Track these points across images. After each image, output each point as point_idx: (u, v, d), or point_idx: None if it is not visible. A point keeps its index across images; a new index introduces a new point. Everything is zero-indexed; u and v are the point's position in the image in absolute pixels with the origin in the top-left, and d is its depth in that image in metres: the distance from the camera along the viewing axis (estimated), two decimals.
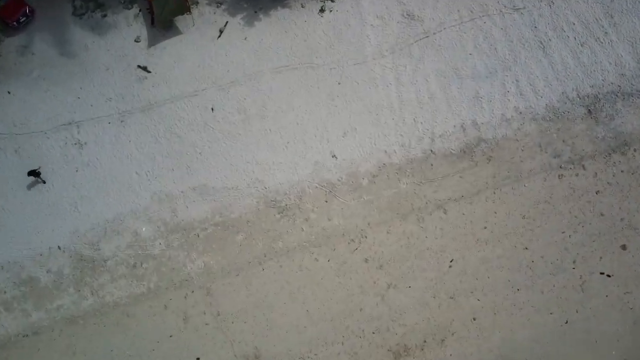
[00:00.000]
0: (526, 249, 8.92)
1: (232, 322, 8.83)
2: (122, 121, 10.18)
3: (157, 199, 9.61)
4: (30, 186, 9.36)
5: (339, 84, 9.98)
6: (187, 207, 9.39)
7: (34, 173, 9.25)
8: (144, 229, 9.46)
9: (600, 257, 8.98)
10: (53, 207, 9.59)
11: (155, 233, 9.32)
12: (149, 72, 10.98)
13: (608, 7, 11.06)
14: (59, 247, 9.35)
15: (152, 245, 9.26)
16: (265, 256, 9.02)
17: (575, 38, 10.53)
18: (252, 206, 9.32)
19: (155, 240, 9.28)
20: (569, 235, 9.00)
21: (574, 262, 8.92)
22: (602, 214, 9.08)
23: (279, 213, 9.31)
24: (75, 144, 9.92)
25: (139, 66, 11.12)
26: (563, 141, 9.55)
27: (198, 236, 9.14)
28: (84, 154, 9.87)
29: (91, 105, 10.24)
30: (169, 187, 9.68)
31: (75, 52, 10.92)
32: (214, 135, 9.92)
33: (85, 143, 9.83)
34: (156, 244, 9.23)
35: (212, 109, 10.21)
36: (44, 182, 9.36)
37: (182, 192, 9.58)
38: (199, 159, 9.66)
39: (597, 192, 9.23)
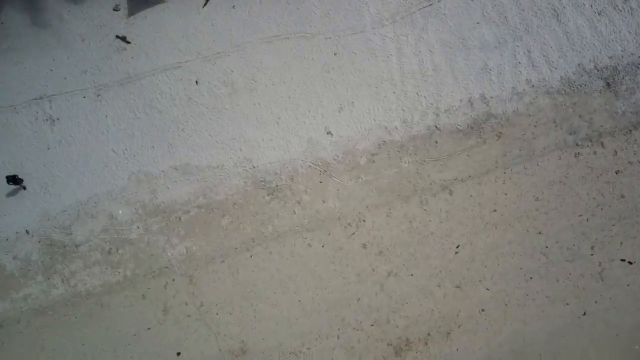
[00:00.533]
0: (540, 233, 8.08)
1: (217, 314, 8.01)
2: (98, 95, 9.37)
3: (135, 179, 8.78)
4: None
5: (334, 55, 9.14)
6: (168, 187, 8.57)
7: (14, 180, 8.42)
8: (120, 211, 8.63)
9: (621, 243, 8.14)
10: (21, 189, 8.81)
11: (133, 216, 8.49)
12: (128, 42, 10.19)
13: None
14: (26, 232, 8.54)
15: (129, 229, 8.44)
16: (253, 241, 8.20)
17: (591, 6, 9.72)
18: (239, 187, 8.50)
19: (133, 224, 8.45)
20: (587, 219, 8.16)
21: (592, 248, 8.08)
22: (622, 196, 8.26)
23: (268, 194, 8.49)
24: (47, 119, 9.09)
25: (117, 36, 10.34)
26: (580, 116, 8.74)
27: (180, 219, 8.32)
28: (55, 130, 9.05)
29: (65, 78, 9.42)
30: (148, 166, 8.86)
31: (49, 21, 10.10)
32: (198, 110, 9.10)
33: (58, 119, 9.01)
34: (133, 228, 8.40)
35: (197, 82, 9.40)
36: (25, 189, 8.55)
37: (162, 171, 8.76)
38: (182, 135, 8.83)
39: (617, 172, 8.41)
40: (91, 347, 7.93)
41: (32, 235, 8.30)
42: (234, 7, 10.70)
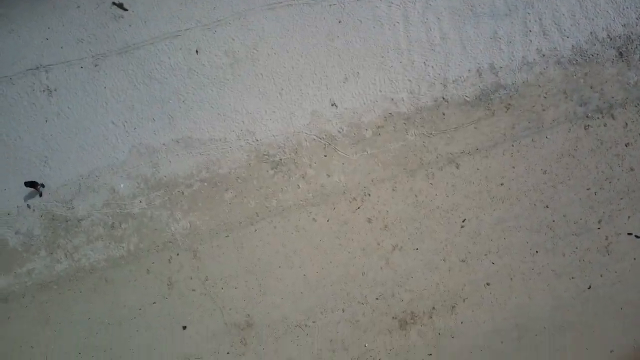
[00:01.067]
0: (547, 207, 7.89)
1: (222, 288, 7.89)
2: (95, 65, 8.99)
3: (136, 152, 8.51)
4: None
5: (339, 22, 8.71)
6: (170, 161, 8.31)
7: (32, 184, 8.16)
8: (122, 185, 8.40)
9: (629, 217, 7.96)
10: (21, 162, 8.51)
11: (135, 190, 8.26)
12: (125, 9, 9.73)
13: None
14: (28, 206, 8.32)
15: (131, 203, 8.23)
16: (257, 216, 8.00)
17: None
18: (243, 161, 8.24)
19: (135, 198, 8.23)
20: (595, 192, 7.96)
21: (599, 221, 7.92)
22: (632, 169, 8.02)
23: (272, 168, 8.24)
24: (44, 90, 8.75)
25: (114, 3, 9.87)
26: (591, 87, 8.42)
27: (182, 194, 8.10)
28: (53, 102, 8.72)
29: (61, 48, 9.01)
30: (149, 139, 8.58)
31: None
32: (199, 81, 8.73)
33: (55, 89, 8.66)
34: (136, 202, 8.18)
35: (197, 52, 9.00)
36: (41, 195, 8.30)
37: (164, 144, 8.48)
38: (183, 107, 8.50)
39: (627, 145, 8.15)
40: (97, 321, 7.84)
41: (34, 210, 8.09)
42: None
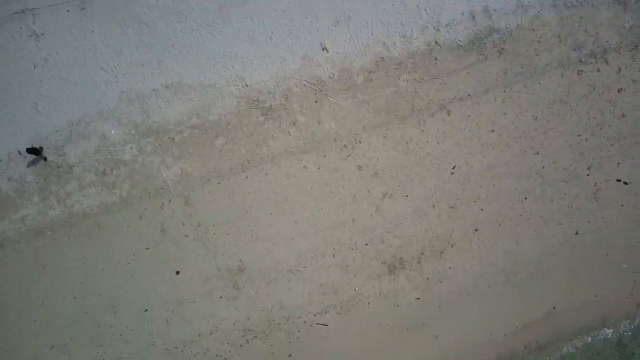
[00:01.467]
0: (537, 154, 7.80)
1: (214, 234, 7.89)
2: (82, 9, 8.69)
3: (126, 98, 8.33)
4: None
5: None
6: (160, 107, 8.14)
7: (34, 151, 7.97)
8: (112, 131, 8.27)
9: (618, 163, 7.89)
10: (11, 108, 8.34)
11: (126, 136, 8.14)
12: None
13: None
14: (19, 152, 8.21)
15: (122, 150, 8.12)
16: (248, 163, 7.91)
17: None
18: (233, 107, 8.08)
19: (126, 144, 8.11)
20: (585, 139, 7.87)
21: (588, 168, 7.85)
22: (623, 115, 7.89)
23: (262, 115, 8.08)
24: (31, 35, 8.48)
25: None
26: (585, 31, 8.17)
27: (173, 140, 7.97)
28: (41, 47, 8.47)
29: None
30: (139, 85, 8.38)
31: None
32: (188, 25, 8.47)
33: (42, 34, 8.40)
34: (127, 149, 8.08)
35: None
36: (45, 159, 8.11)
37: (153, 90, 8.29)
38: (172, 52, 8.27)
39: (619, 90, 7.98)
40: (91, 267, 7.86)
41: (25, 157, 7.99)
42: None
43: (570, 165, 8.19)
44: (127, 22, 8.27)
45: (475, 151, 8.09)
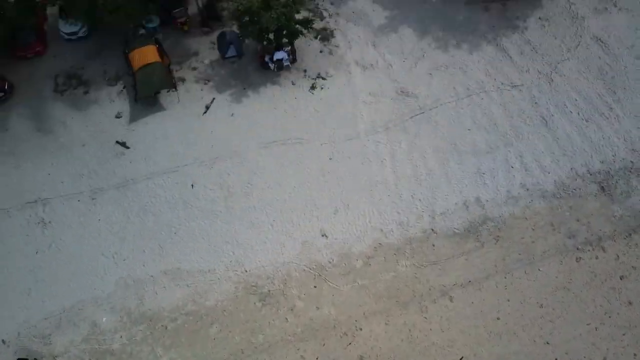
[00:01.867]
0: (547, 343, 7.51)
1: None
2: (93, 199, 9.13)
3: (123, 284, 8.31)
4: None
5: (330, 159, 9.05)
6: (157, 293, 8.08)
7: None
8: (104, 319, 8.06)
9: (635, 354, 7.46)
10: (3, 294, 8.19)
11: (117, 324, 7.92)
12: (127, 147, 10.11)
13: (610, 83, 10.55)
14: (2, 341, 7.87)
15: (111, 338, 7.84)
16: (242, 352, 7.54)
17: (579, 113, 9.85)
18: (230, 292, 8.01)
19: (116, 332, 7.86)
20: (595, 328, 7.62)
21: (604, 359, 7.29)
22: (630, 303, 7.78)
23: (260, 301, 7.92)
24: (39, 222, 8.83)
25: (117, 142, 10.29)
26: (577, 220, 8.47)
27: (166, 328, 7.71)
28: (47, 233, 8.80)
29: (62, 182, 9.28)
30: (137, 271, 8.47)
31: (52, 128, 10.17)
32: (192, 214, 8.79)
33: (50, 222, 8.75)
34: (116, 338, 7.79)
35: (192, 186, 9.19)
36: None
37: (151, 276, 8.30)
38: (174, 239, 8.53)
39: (621, 277, 8.02)
40: None
41: (9, 346, 7.71)
42: (232, 114, 10.81)
43: (584, 357, 7.71)
44: (133, 211, 8.57)
45: (482, 340, 7.69)
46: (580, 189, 9.26)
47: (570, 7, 12.23)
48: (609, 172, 9.41)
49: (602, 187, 9.34)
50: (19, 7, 10.83)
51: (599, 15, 11.94)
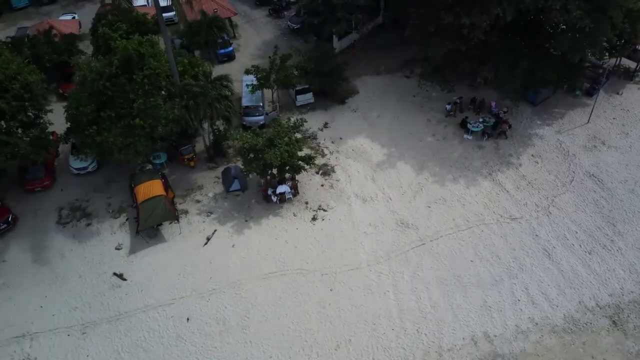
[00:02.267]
0: None
1: None
2: (83, 333, 8.76)
3: None
4: None
5: (330, 290, 8.83)
6: None
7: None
8: None
9: None
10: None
11: None
12: (124, 279, 9.95)
13: (608, 216, 10.70)
14: None
15: None
16: None
17: (580, 245, 9.81)
18: None
19: None
20: None
21: None
22: None
23: None
24: (24, 359, 8.22)
25: (114, 274, 10.17)
26: (592, 357, 8.13)
27: None
28: None
29: (53, 315, 8.99)
30: None
31: (50, 259, 10.14)
32: (185, 349, 8.38)
33: (36, 359, 8.17)
34: None
35: (188, 319, 8.88)
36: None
37: None
38: None
39: None
40: None
41: None
42: (233, 245, 10.79)
43: None
44: (124, 347, 8.22)
45: None
46: (591, 323, 8.87)
47: (561, 145, 12.94)
48: (618, 305, 9.10)
49: (614, 321, 8.95)
50: (32, 145, 11.52)
51: (589, 152, 12.61)
